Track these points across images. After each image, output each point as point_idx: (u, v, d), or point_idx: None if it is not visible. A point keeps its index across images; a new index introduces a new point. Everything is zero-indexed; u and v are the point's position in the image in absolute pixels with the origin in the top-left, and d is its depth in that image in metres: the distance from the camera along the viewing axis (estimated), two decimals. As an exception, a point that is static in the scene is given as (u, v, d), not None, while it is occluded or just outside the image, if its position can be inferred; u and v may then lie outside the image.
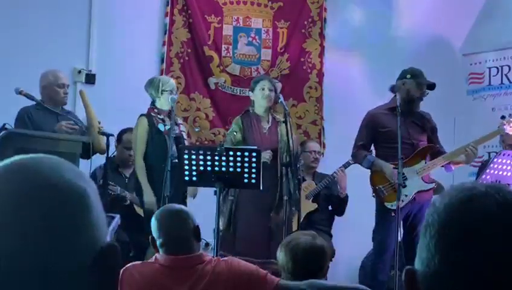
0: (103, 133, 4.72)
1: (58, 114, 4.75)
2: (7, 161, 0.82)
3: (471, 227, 0.86)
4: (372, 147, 5.05)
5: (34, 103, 4.72)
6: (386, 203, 4.81)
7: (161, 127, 4.80)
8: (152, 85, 4.88)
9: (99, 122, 4.79)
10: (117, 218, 3.01)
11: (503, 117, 5.03)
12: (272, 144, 4.84)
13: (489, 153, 6.21)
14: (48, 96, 4.79)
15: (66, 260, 0.78)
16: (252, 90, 5.00)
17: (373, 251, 5.00)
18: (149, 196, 4.69)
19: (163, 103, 4.82)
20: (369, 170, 4.94)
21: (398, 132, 4.57)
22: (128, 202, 5.14)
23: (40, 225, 0.77)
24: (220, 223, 4.49)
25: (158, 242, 2.70)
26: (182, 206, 2.88)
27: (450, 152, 4.86)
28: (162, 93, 4.82)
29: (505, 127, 4.82)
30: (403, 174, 4.77)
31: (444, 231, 0.87)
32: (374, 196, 4.96)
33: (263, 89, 4.89)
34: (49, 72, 4.88)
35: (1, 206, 0.77)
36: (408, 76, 4.92)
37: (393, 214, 4.72)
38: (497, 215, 0.86)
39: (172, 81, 5.05)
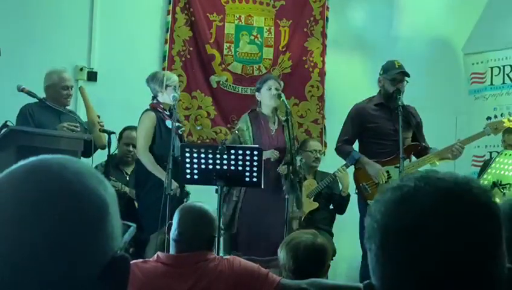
0: (104, 131, 4.72)
1: (60, 112, 4.75)
2: (31, 160, 0.81)
3: (409, 230, 0.84)
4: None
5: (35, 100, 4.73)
6: (369, 201, 4.79)
7: (169, 123, 4.74)
8: (156, 79, 4.84)
9: (99, 117, 4.79)
10: (133, 228, 3.00)
11: (489, 118, 5.02)
12: (280, 145, 4.82)
13: (490, 152, 6.21)
14: (51, 97, 4.79)
15: (76, 268, 0.77)
16: (258, 90, 4.94)
17: (362, 252, 4.92)
18: (173, 183, 4.46)
19: (167, 98, 4.79)
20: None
21: (399, 132, 4.56)
22: (128, 192, 5.15)
23: (55, 230, 0.76)
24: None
25: (172, 234, 2.70)
26: (210, 213, 2.77)
27: (436, 152, 4.81)
28: (166, 88, 4.80)
29: (489, 128, 4.79)
30: (387, 172, 4.75)
31: (386, 239, 0.86)
32: (356, 193, 4.95)
33: (270, 89, 4.86)
34: (54, 72, 4.86)
35: (18, 206, 0.76)
36: (381, 72, 4.90)
37: None
38: (430, 209, 0.85)
39: (176, 77, 5.03)
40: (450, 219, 0.84)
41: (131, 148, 5.26)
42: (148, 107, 4.86)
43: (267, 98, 4.87)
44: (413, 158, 4.92)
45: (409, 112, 4.89)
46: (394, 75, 4.79)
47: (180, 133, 4.79)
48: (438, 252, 0.82)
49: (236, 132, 4.90)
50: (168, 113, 4.82)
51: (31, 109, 4.69)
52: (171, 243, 2.71)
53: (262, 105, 4.93)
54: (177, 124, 4.67)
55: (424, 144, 4.89)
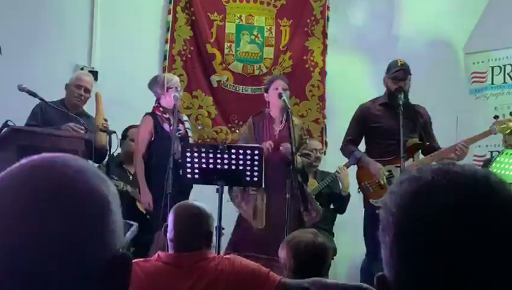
0: (105, 130, 4.71)
1: (68, 114, 4.71)
2: (33, 158, 0.81)
3: (425, 225, 0.82)
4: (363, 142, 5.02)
5: (36, 100, 4.72)
6: (371, 200, 4.80)
7: (166, 127, 4.79)
8: (157, 83, 4.88)
9: (106, 120, 4.79)
10: (134, 227, 3.01)
11: (496, 117, 5.01)
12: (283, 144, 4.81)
13: (491, 152, 6.21)
14: (67, 96, 4.84)
15: (77, 265, 0.77)
16: (266, 90, 4.96)
17: (367, 250, 4.91)
18: (145, 196, 4.70)
19: (169, 100, 4.81)
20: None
21: (400, 131, 4.55)
22: (130, 192, 5.14)
23: (56, 226, 0.76)
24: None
25: (169, 235, 2.71)
26: (203, 209, 2.77)
27: (439, 151, 4.81)
28: (167, 91, 4.82)
29: (495, 127, 4.79)
30: (390, 171, 4.75)
31: (401, 234, 0.84)
32: (359, 192, 4.95)
33: (277, 89, 4.86)
34: (76, 73, 4.99)
35: (20, 203, 0.76)
36: (385, 72, 4.90)
37: (377, 211, 4.68)
38: (448, 204, 0.82)
39: (177, 78, 5.05)
40: (468, 215, 0.81)
41: None
42: (149, 111, 4.89)
43: (274, 98, 4.87)
44: (421, 157, 4.92)
45: (416, 112, 4.89)
46: (394, 74, 4.79)
47: (179, 135, 4.79)
48: (455, 250, 0.80)
49: (245, 134, 4.93)
50: (167, 116, 4.84)
51: (44, 107, 4.70)
52: (169, 243, 2.71)
53: (270, 105, 4.93)
54: (180, 129, 4.70)
55: (429, 143, 4.87)
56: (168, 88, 4.82)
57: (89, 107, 5.06)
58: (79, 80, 4.89)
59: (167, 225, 2.74)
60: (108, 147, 4.64)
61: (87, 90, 4.90)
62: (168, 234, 2.71)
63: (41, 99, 4.69)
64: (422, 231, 0.82)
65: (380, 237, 0.88)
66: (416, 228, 0.83)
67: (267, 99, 4.95)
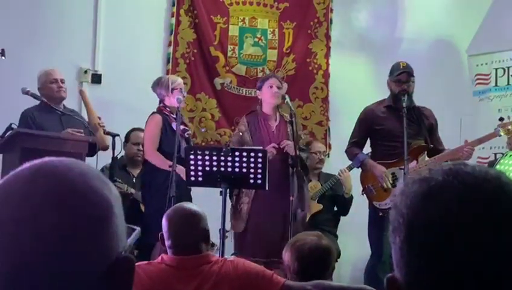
0: (109, 133, 4.72)
1: (60, 113, 4.73)
2: (37, 162, 0.82)
3: (436, 226, 0.82)
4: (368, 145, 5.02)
5: (37, 103, 4.73)
6: (374, 202, 4.79)
7: (175, 126, 4.76)
8: (161, 84, 4.87)
9: (100, 118, 4.79)
10: (137, 231, 3.00)
11: (501, 119, 4.99)
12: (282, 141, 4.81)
13: (495, 154, 6.20)
14: (46, 96, 4.78)
15: (78, 269, 0.77)
16: (260, 88, 4.95)
17: (371, 251, 4.90)
18: (183, 171, 4.44)
19: (173, 101, 4.79)
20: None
21: (404, 133, 4.55)
22: (134, 194, 5.14)
23: (58, 228, 0.76)
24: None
25: (167, 243, 2.70)
26: (195, 209, 2.79)
27: (443, 153, 4.80)
28: (172, 92, 4.82)
29: (500, 129, 4.77)
30: (393, 174, 4.75)
31: (411, 235, 0.84)
32: (363, 194, 4.95)
33: (271, 87, 4.85)
34: (42, 73, 4.85)
35: (23, 207, 0.76)
36: (388, 75, 4.90)
37: (380, 214, 4.69)
38: (459, 205, 0.82)
39: (181, 80, 5.06)
40: (479, 217, 0.81)
41: (140, 148, 5.28)
42: (155, 110, 4.88)
43: (268, 96, 4.87)
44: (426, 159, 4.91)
45: (421, 114, 4.88)
46: (397, 76, 4.79)
47: (187, 136, 4.79)
48: (465, 250, 0.80)
49: (240, 133, 4.89)
50: (174, 116, 4.83)
51: (31, 113, 4.68)
52: (168, 250, 2.71)
53: (263, 103, 4.93)
54: (182, 127, 4.68)
55: (434, 145, 4.85)
56: (172, 89, 4.82)
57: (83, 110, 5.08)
58: (50, 75, 4.82)
59: (162, 235, 2.74)
60: (112, 149, 4.66)
61: (63, 81, 4.87)
62: (166, 242, 2.71)
63: (43, 101, 4.70)
64: (432, 232, 0.82)
65: (391, 238, 0.87)
66: (426, 229, 0.83)
67: (260, 96, 4.94)
